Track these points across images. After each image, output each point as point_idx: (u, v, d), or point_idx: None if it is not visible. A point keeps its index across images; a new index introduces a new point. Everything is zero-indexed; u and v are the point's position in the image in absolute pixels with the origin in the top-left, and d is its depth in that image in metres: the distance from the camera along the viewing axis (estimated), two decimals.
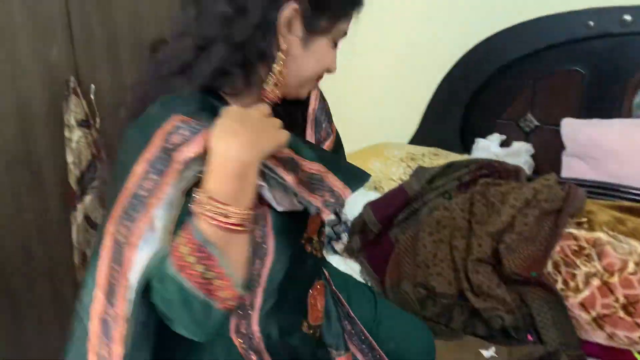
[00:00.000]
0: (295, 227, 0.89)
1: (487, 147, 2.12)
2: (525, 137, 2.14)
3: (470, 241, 1.67)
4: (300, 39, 0.82)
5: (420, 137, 2.36)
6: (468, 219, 1.74)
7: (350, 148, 2.26)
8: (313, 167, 0.81)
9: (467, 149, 2.24)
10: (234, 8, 0.75)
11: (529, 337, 1.51)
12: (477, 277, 1.61)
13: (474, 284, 1.62)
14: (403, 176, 2.02)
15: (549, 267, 1.54)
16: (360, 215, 1.96)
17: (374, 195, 2.00)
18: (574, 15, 1.94)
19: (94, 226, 2.03)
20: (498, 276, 1.60)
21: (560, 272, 1.52)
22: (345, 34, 0.88)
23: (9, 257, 1.93)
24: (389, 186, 2.00)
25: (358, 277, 2.00)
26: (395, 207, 1.88)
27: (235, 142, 0.69)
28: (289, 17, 0.78)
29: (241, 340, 0.87)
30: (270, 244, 0.83)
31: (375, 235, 1.91)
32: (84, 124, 1.97)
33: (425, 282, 1.75)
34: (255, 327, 0.87)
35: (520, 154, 2.07)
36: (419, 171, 1.91)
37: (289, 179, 0.78)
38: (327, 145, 0.99)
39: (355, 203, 2.02)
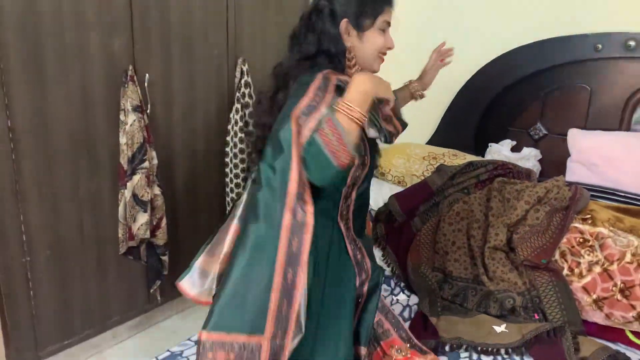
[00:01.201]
0: (372, 154, 1.38)
1: (499, 151, 2.35)
2: (534, 143, 2.38)
3: (486, 231, 1.90)
4: (356, 37, 1.33)
5: (437, 140, 2.58)
6: (485, 212, 1.97)
7: None
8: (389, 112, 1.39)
9: (480, 152, 2.47)
10: (320, 33, 1.32)
11: (536, 316, 1.74)
12: (492, 262, 1.83)
13: (489, 269, 1.84)
14: (425, 172, 2.24)
15: (557, 255, 1.77)
16: (385, 205, 2.18)
17: (397, 188, 2.22)
18: (584, 38, 2.18)
19: (140, 203, 2.21)
20: (510, 262, 1.83)
21: (566, 260, 1.75)
22: (388, 23, 1.35)
23: (64, 229, 2.11)
24: (411, 181, 2.22)
25: (380, 262, 2.21)
26: (418, 200, 2.10)
27: (367, 80, 1.18)
28: (345, 28, 1.31)
29: (343, 224, 1.36)
30: (368, 155, 1.33)
31: (398, 224, 2.13)
32: (138, 109, 2.16)
33: (443, 266, 1.97)
34: (351, 216, 1.37)
35: (529, 159, 2.30)
36: (442, 168, 2.13)
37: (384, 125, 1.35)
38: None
39: (380, 194, 2.24)
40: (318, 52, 1.32)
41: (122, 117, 2.16)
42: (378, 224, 2.20)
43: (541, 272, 1.77)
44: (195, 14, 2.35)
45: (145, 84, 2.21)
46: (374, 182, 2.36)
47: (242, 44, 2.58)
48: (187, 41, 2.35)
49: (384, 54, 1.40)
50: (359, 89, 1.17)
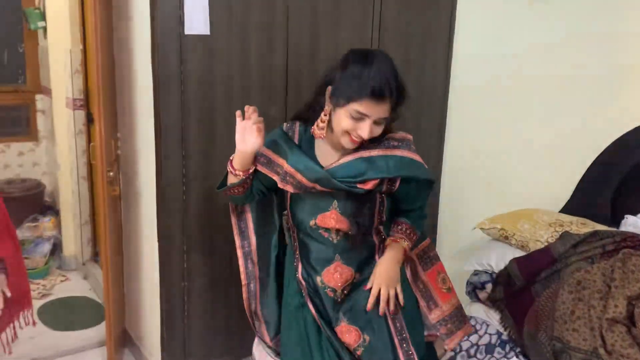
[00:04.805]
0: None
1: (635, 224, 2.25)
2: None
3: (607, 302, 1.85)
4: (331, 108, 1.53)
5: (571, 208, 2.54)
6: (608, 284, 1.92)
7: (503, 209, 2.52)
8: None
9: (616, 223, 2.38)
10: (318, 92, 1.59)
11: None
12: (611, 336, 1.78)
13: (607, 342, 1.79)
14: (550, 239, 2.23)
15: None
16: (505, 268, 2.21)
17: (520, 253, 2.24)
18: None
19: None
20: (632, 338, 1.75)
21: None
22: (359, 113, 1.46)
23: (217, 262, 2.48)
24: (535, 246, 2.23)
25: (497, 324, 2.23)
26: (539, 265, 2.11)
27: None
28: (328, 93, 1.53)
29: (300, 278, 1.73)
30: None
31: (518, 288, 2.15)
32: None
33: (561, 336, 1.94)
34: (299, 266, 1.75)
35: None
36: (566, 236, 2.12)
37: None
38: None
39: (502, 257, 2.28)
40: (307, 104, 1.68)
41: None
42: (498, 286, 2.24)
43: None
44: None
45: None
46: (496, 244, 2.40)
47: None
48: None
49: (353, 139, 1.51)
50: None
